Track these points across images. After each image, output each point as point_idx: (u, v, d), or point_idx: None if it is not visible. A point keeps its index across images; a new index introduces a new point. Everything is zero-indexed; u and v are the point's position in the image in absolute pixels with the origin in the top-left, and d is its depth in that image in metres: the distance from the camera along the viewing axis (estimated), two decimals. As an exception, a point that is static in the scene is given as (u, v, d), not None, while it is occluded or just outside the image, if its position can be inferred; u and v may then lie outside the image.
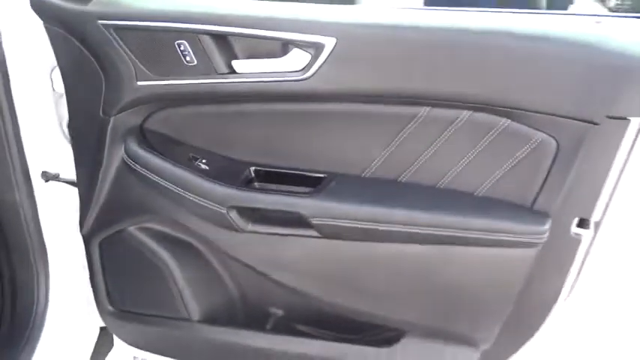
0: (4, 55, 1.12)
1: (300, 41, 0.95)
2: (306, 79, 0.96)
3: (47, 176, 1.24)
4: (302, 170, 1.10)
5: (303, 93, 0.99)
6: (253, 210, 1.09)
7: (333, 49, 0.94)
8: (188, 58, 0.99)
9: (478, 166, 1.01)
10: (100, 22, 1.00)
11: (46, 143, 1.23)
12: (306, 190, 1.07)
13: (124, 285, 1.29)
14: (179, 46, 0.98)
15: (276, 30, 0.96)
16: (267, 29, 0.96)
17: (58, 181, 1.25)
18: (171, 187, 1.09)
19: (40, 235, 1.30)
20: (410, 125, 1.00)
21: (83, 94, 1.12)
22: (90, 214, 1.22)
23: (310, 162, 1.09)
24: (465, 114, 0.97)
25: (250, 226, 1.10)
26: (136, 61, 1.02)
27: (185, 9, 0.99)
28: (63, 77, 1.12)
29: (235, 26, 0.97)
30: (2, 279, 1.36)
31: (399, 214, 1.01)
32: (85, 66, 1.06)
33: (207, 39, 0.98)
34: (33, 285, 1.34)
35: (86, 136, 1.16)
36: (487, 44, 0.90)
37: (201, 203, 1.08)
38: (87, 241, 1.26)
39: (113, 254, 1.26)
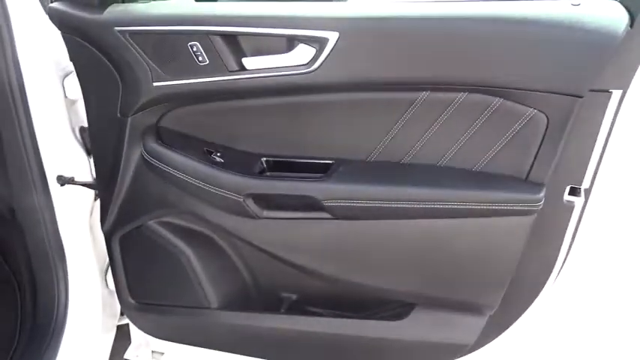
0: (19, 63, 1.18)
1: (305, 37, 1.02)
2: (311, 72, 1.03)
3: (63, 180, 1.29)
4: (311, 158, 1.17)
5: (309, 85, 1.06)
6: (268, 197, 1.16)
7: (336, 43, 1.01)
8: (200, 58, 1.06)
9: (475, 144, 1.08)
10: (117, 28, 1.06)
11: (61, 148, 1.28)
12: (317, 175, 1.14)
13: (145, 278, 1.35)
14: (191, 48, 1.05)
15: (282, 27, 1.03)
16: (273, 27, 1.03)
17: (74, 184, 1.30)
18: (189, 180, 1.16)
19: (58, 238, 1.35)
20: (410, 109, 1.08)
21: (101, 98, 1.18)
22: (111, 211, 1.28)
23: (318, 150, 1.16)
24: (461, 96, 1.04)
25: (265, 213, 1.17)
26: (152, 63, 1.08)
27: (195, 12, 1.06)
28: (81, 83, 1.18)
29: (243, 26, 1.04)
30: (23, 281, 1.40)
31: (404, 191, 1.09)
32: (103, 71, 1.12)
33: (217, 39, 1.04)
34: (53, 287, 1.39)
35: (105, 137, 1.22)
36: (479, 31, 0.98)
37: (219, 193, 1.14)
38: (108, 237, 1.32)
39: (133, 249, 1.32)
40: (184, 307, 1.33)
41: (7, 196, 1.32)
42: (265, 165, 1.19)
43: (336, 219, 1.13)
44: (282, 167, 1.19)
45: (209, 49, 1.05)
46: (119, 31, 1.06)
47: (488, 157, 1.09)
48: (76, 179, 1.30)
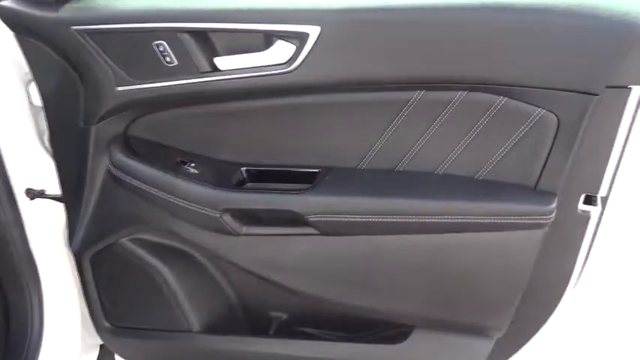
0: None
1: (284, 32, 0.91)
2: (292, 71, 0.93)
3: (32, 193, 1.19)
4: (295, 167, 1.06)
5: (290, 86, 0.95)
6: (247, 212, 1.05)
7: (318, 38, 0.90)
8: (168, 59, 0.95)
9: (477, 149, 0.97)
10: (74, 28, 0.95)
11: (27, 159, 1.18)
12: (302, 186, 1.03)
13: (120, 300, 1.25)
14: (158, 47, 0.94)
15: (258, 22, 0.92)
16: (248, 22, 0.92)
17: (44, 197, 1.20)
18: (160, 195, 1.05)
19: (29, 255, 1.25)
20: (403, 111, 0.97)
21: (62, 105, 1.08)
22: (78, 229, 1.17)
23: (303, 157, 1.05)
24: (460, 95, 0.93)
25: (245, 229, 1.06)
26: (114, 65, 0.97)
27: (160, 7, 0.95)
28: (39, 89, 1.07)
29: (214, 21, 0.93)
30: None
31: (399, 203, 0.98)
32: (62, 75, 1.02)
33: (186, 37, 0.93)
34: (26, 308, 1.29)
35: (68, 148, 1.11)
36: (480, 19, 0.87)
37: (193, 208, 1.04)
38: (78, 257, 1.22)
39: (106, 269, 1.22)
40: (164, 330, 1.23)
41: None
42: (246, 175, 1.08)
43: (324, 235, 1.02)
44: (264, 177, 1.08)
45: (177, 49, 0.94)
46: (76, 31, 0.95)
47: (492, 163, 0.97)
48: (47, 192, 1.21)
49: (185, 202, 1.04)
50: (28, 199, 1.19)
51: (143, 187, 1.05)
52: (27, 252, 1.25)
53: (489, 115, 0.94)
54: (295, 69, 0.92)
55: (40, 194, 1.20)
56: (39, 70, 1.05)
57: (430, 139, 0.98)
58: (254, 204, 1.03)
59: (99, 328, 1.29)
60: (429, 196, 0.97)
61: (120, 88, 0.99)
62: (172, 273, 1.17)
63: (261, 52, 0.93)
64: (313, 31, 0.90)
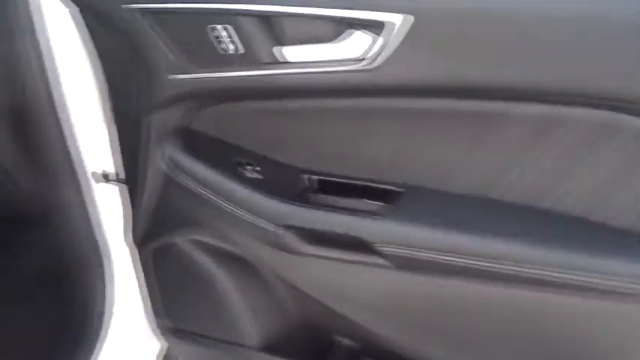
0: (41, 52, 1.00)
1: (366, 20, 0.72)
2: (373, 68, 0.74)
3: (100, 177, 1.12)
4: (368, 180, 0.88)
5: (370, 86, 0.76)
6: (312, 229, 0.89)
7: (409, 30, 0.70)
8: (226, 46, 0.80)
9: (598, 182, 0.74)
10: (125, 6, 0.83)
11: (96, 142, 1.11)
12: (374, 205, 0.85)
13: (180, 300, 1.16)
14: (215, 32, 0.79)
15: (335, 7, 0.73)
16: (322, 7, 0.74)
17: (113, 181, 1.13)
18: (216, 200, 0.92)
19: (93, 239, 1.20)
20: (509, 126, 0.75)
21: (124, 89, 0.98)
22: (140, 220, 1.09)
23: (378, 170, 0.87)
24: (581, 112, 0.70)
25: (308, 249, 0.91)
26: (166, 51, 0.84)
27: None
28: (104, 70, 0.98)
29: (282, 4, 0.75)
30: (58, 286, 1.29)
31: (490, 244, 0.77)
32: (119, 58, 0.92)
33: (248, 21, 0.77)
34: (91, 291, 1.25)
35: (132, 136, 1.02)
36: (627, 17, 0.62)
37: (251, 220, 0.90)
38: (140, 249, 1.14)
39: (167, 266, 1.13)
40: (220, 340, 1.13)
41: (38, 195, 1.19)
42: (311, 184, 0.92)
43: (397, 269, 0.84)
44: (332, 189, 0.91)
45: (238, 35, 0.78)
46: (128, 9, 0.83)
47: (615, 203, 0.73)
48: (112, 178, 1.13)
49: (243, 211, 0.91)
50: (94, 182, 1.13)
51: (198, 189, 0.93)
52: (91, 235, 1.19)
53: (620, 139, 0.70)
54: (377, 66, 0.73)
55: (108, 178, 1.12)
56: (104, 50, 0.96)
57: (537, 164, 0.76)
58: (319, 224, 0.87)
59: (161, 325, 1.23)
60: (530, 237, 0.76)
61: (173, 77, 0.86)
62: (230, 280, 1.06)
63: (335, 43, 0.75)
64: (403, 21, 0.70)
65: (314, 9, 0.74)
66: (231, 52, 0.80)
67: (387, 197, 0.86)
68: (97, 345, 1.25)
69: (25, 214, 1.20)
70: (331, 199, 0.91)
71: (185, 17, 0.80)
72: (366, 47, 0.73)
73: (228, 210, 0.93)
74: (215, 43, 0.79)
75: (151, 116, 0.94)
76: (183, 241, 1.06)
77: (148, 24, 0.83)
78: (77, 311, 1.26)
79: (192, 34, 0.81)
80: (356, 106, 0.82)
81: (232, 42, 0.79)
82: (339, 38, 0.74)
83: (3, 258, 1.19)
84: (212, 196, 0.93)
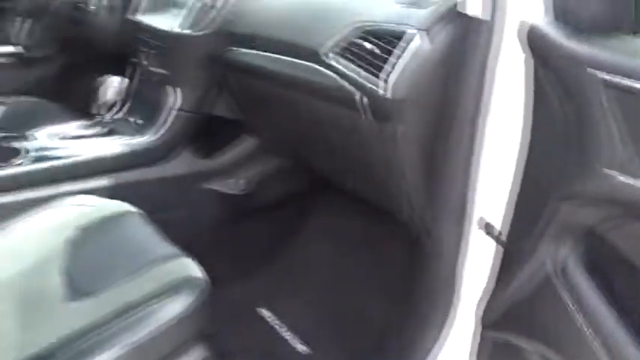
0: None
1: None
2: None
3: (485, 227, 1.05)
4: None
5: None
6: None
7: None
8: None
9: None
10: (591, 70, 0.75)
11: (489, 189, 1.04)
12: None
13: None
14: None
15: None
16: None
17: (493, 239, 1.05)
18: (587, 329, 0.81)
19: (455, 281, 1.13)
20: None
21: (540, 151, 0.90)
22: (497, 301, 1.02)
23: None
24: None
25: None
26: (616, 138, 0.72)
27: None
28: (529, 124, 0.90)
29: None
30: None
31: None
32: (553, 117, 0.83)
33: None
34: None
35: (531, 197, 0.92)
36: None
37: None
38: (483, 328, 1.07)
39: None
40: None
41: (426, 222, 1.20)
42: None
43: None
44: None
45: None
46: (591, 74, 0.74)
47: None
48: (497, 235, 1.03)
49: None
50: (475, 224, 1.06)
51: (572, 306, 0.85)
52: (452, 272, 1.12)
53: None
54: None
55: (487, 230, 1.04)
56: (541, 102, 0.87)
57: None
58: None
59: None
60: None
61: (608, 172, 0.74)
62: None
63: None
64: None
65: None
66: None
67: None
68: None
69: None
70: None
71: None
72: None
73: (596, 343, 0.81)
74: None
75: (562, 204, 0.84)
76: (531, 353, 0.95)
77: (606, 98, 0.73)
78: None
79: None
80: None
81: None
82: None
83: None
84: (584, 323, 0.82)
